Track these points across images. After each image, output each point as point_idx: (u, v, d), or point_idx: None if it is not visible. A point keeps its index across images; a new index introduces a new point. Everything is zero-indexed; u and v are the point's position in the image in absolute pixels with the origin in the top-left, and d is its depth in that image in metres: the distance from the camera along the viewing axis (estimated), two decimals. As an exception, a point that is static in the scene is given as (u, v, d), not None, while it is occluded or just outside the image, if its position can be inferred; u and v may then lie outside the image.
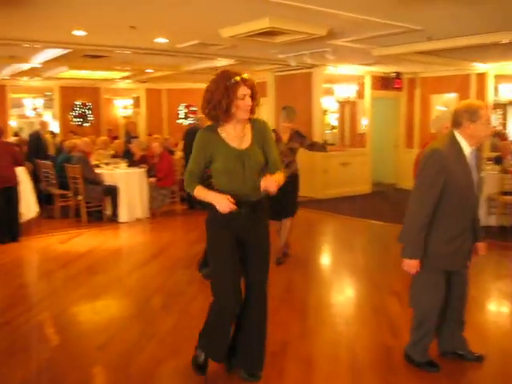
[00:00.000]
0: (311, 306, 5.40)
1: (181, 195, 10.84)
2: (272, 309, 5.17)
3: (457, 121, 3.56)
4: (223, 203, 3.32)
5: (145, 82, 16.02)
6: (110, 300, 5.83)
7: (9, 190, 8.16)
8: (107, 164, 10.65)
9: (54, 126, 15.40)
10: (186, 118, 17.30)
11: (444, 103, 13.14)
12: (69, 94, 15.60)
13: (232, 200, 3.32)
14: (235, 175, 3.44)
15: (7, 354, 4.30)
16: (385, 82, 13.79)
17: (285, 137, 6.66)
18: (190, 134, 9.14)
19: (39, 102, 15.60)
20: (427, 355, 3.90)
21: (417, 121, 13.98)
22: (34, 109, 15.55)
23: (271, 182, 3.33)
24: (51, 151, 12.00)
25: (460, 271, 3.83)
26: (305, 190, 12.74)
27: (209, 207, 3.50)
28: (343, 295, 5.98)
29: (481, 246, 3.85)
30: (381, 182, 14.53)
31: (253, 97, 3.41)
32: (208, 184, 3.56)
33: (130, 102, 17.70)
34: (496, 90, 12.39)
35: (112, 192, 9.77)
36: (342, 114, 14.18)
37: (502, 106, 13.16)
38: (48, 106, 16.61)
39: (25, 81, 14.45)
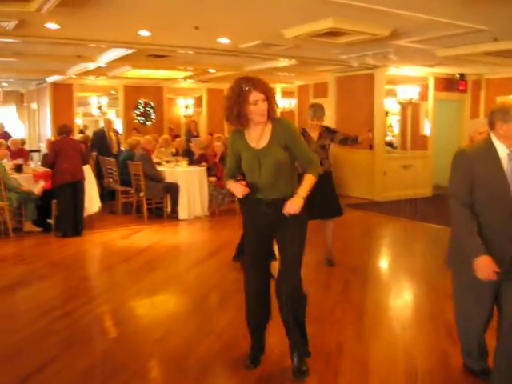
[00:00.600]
0: (368, 308, 5.34)
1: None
2: (327, 309, 5.21)
3: (491, 122, 3.35)
4: (237, 188, 3.67)
5: (206, 81, 16.15)
6: (168, 295, 5.94)
7: (75, 185, 8.44)
8: (168, 162, 10.83)
9: (118, 124, 15.79)
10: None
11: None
12: (132, 92, 15.95)
13: (243, 183, 3.67)
14: (253, 172, 3.70)
15: (67, 345, 4.43)
16: (448, 84, 13.44)
17: (314, 135, 6.54)
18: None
19: (104, 100, 15.98)
20: (483, 363, 3.74)
21: (482, 124, 13.56)
22: (99, 107, 15.94)
23: (291, 207, 3.56)
24: (115, 149, 12.31)
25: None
26: (363, 192, 12.79)
27: (240, 201, 3.99)
28: (400, 298, 5.89)
29: None
30: (442, 185, 14.18)
31: (268, 100, 3.56)
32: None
33: (192, 101, 17.90)
34: None
35: (172, 189, 9.91)
36: (403, 115, 13.97)
37: None
38: (112, 104, 17.01)
39: (91, 80, 14.80)
